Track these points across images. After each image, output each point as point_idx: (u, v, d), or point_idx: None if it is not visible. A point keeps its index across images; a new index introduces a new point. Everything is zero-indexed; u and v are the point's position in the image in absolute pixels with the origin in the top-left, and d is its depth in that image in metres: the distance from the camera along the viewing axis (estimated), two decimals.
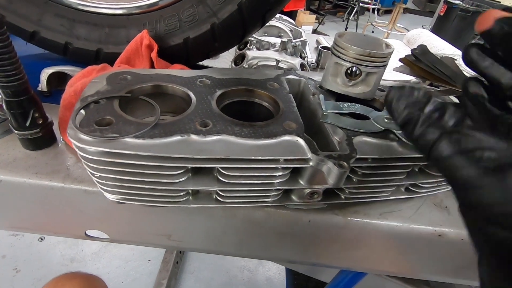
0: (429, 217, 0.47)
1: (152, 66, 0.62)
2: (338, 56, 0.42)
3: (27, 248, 1.55)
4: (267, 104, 0.44)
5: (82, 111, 0.34)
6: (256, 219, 0.46)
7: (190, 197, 0.38)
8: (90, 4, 0.64)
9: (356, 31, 3.93)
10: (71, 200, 0.46)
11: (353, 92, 0.44)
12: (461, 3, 3.69)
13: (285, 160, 0.33)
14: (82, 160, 0.33)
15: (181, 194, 0.36)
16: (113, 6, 0.65)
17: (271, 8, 0.60)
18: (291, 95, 0.44)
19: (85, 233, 0.53)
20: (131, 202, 0.37)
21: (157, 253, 1.57)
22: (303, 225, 0.46)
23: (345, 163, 0.34)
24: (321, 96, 0.43)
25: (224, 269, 1.59)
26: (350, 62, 0.41)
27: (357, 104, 0.43)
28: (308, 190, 0.39)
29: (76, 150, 0.32)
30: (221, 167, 0.33)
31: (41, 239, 1.60)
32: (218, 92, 0.41)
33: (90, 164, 0.32)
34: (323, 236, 0.49)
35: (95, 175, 0.34)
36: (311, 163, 0.34)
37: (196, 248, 0.56)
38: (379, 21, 4.56)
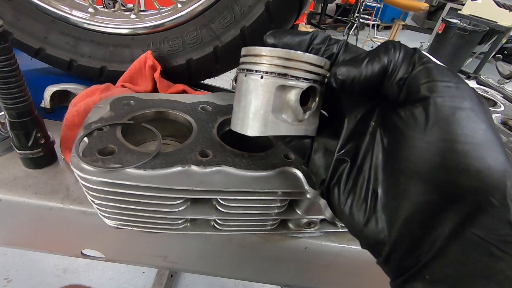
0: None
1: (154, 85, 0.63)
2: (285, 75, 0.24)
3: (19, 257, 1.52)
4: None
5: (86, 139, 0.34)
6: (253, 244, 0.46)
7: (188, 224, 0.39)
8: (95, 24, 0.66)
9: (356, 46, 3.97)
10: (69, 220, 0.46)
11: (309, 128, 0.27)
12: (459, 22, 3.76)
13: (283, 192, 0.34)
14: (83, 188, 0.33)
15: (180, 222, 0.37)
16: (119, 26, 0.66)
17: None
18: None
19: (81, 252, 0.52)
20: (129, 228, 0.37)
21: None
22: (300, 251, 0.47)
23: None
24: None
25: (220, 283, 1.57)
26: (305, 79, 0.24)
27: None
28: (305, 220, 0.39)
29: (78, 178, 0.32)
30: (220, 198, 0.34)
31: None
32: (219, 120, 0.42)
33: (90, 192, 0.32)
34: (319, 262, 0.49)
35: (95, 202, 0.34)
36: (308, 196, 0.35)
37: (191, 270, 0.56)
38: (378, 36, 4.63)
